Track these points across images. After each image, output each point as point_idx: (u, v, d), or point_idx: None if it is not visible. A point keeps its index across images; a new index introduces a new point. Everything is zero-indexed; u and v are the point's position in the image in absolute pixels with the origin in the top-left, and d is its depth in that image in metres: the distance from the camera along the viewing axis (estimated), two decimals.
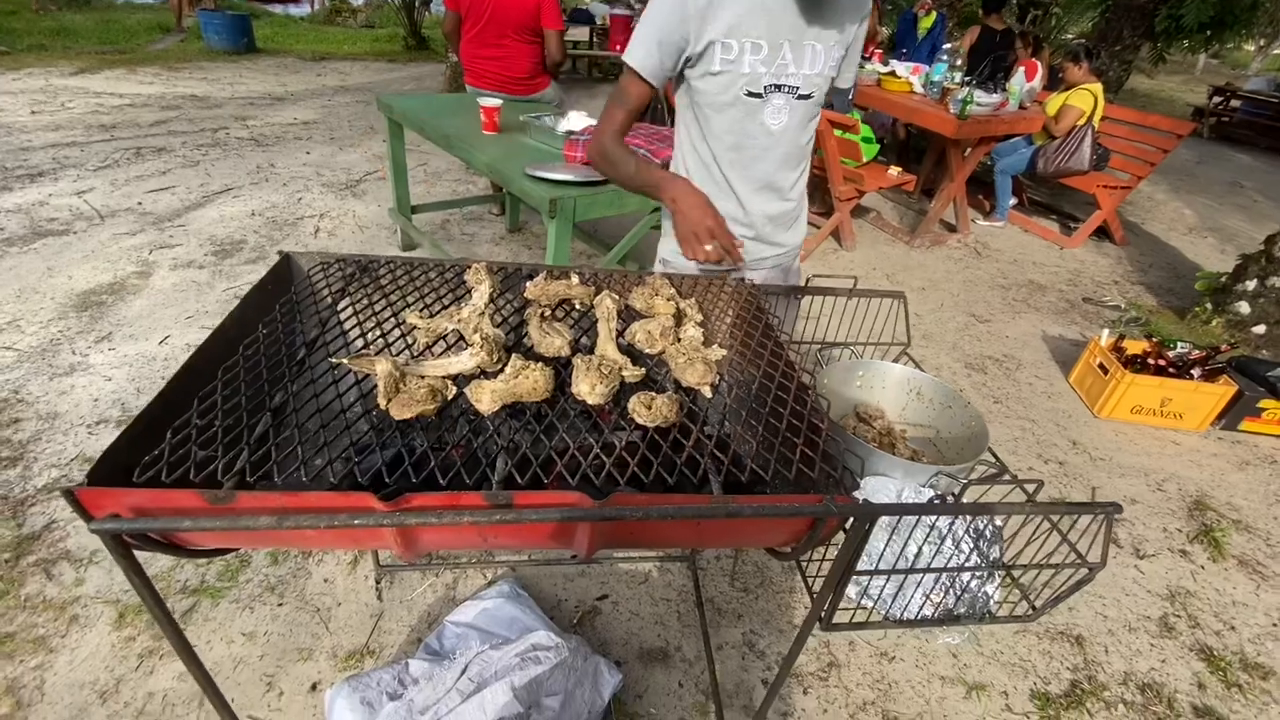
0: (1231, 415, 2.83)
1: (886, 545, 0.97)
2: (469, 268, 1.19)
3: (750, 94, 1.29)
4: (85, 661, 1.52)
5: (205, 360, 0.94)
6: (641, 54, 1.27)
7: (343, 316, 1.09)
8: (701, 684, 1.62)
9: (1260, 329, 3.32)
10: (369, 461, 0.80)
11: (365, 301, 1.13)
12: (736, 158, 1.38)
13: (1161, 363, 2.82)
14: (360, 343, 1.03)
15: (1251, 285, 3.41)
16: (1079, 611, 1.94)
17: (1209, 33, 7.24)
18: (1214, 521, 2.37)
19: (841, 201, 4.02)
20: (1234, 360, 2.88)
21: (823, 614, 0.98)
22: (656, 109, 3.89)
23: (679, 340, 1.06)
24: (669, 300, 1.14)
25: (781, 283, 1.58)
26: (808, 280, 1.44)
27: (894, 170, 4.19)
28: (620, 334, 1.10)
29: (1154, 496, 2.46)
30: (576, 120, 2.84)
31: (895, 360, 1.48)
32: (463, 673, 1.32)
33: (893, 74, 4.61)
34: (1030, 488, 0.98)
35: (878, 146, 4.29)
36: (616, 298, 1.12)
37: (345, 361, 0.90)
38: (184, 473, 0.75)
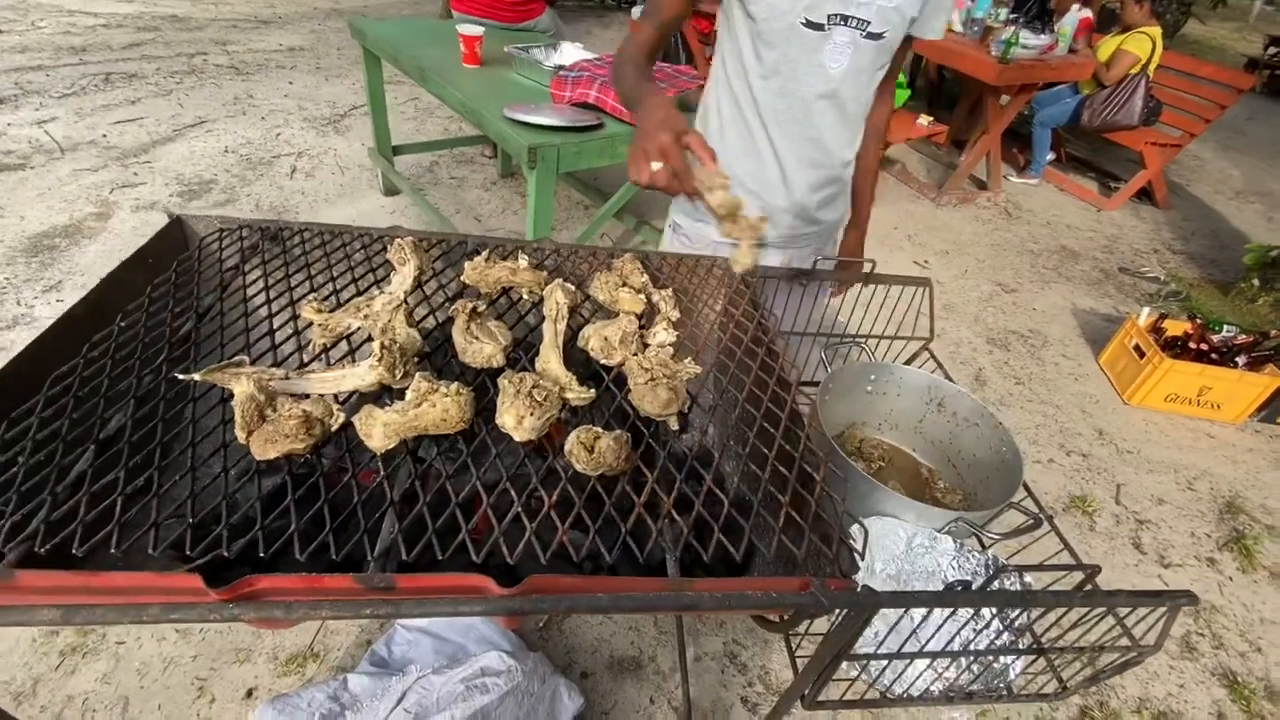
0: (1273, 407, 2.60)
1: (900, 619, 0.78)
2: (393, 242, 0.96)
3: (809, 23, 1.02)
4: (1, 659, 1.39)
5: (37, 363, 0.75)
6: None
7: (229, 305, 0.88)
8: (675, 700, 1.48)
9: None
10: (210, 520, 0.61)
11: (262, 284, 0.91)
12: (783, 107, 1.13)
13: (1204, 347, 2.57)
14: (241, 342, 0.81)
15: None
16: None
17: None
18: (1246, 526, 2.17)
19: None
20: None
21: (805, 693, 0.81)
22: (667, 49, 3.51)
23: (645, 348, 0.85)
24: (638, 293, 0.92)
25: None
26: (815, 261, 1.21)
27: (924, 119, 3.82)
28: (573, 336, 0.88)
29: (1183, 496, 2.26)
30: (569, 54, 2.53)
31: (916, 355, 1.26)
32: (399, 701, 1.17)
33: None
34: (1073, 566, 0.77)
35: (909, 92, 3.91)
36: (570, 289, 0.89)
37: (198, 376, 0.69)
38: None
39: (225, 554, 0.58)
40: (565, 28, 3.45)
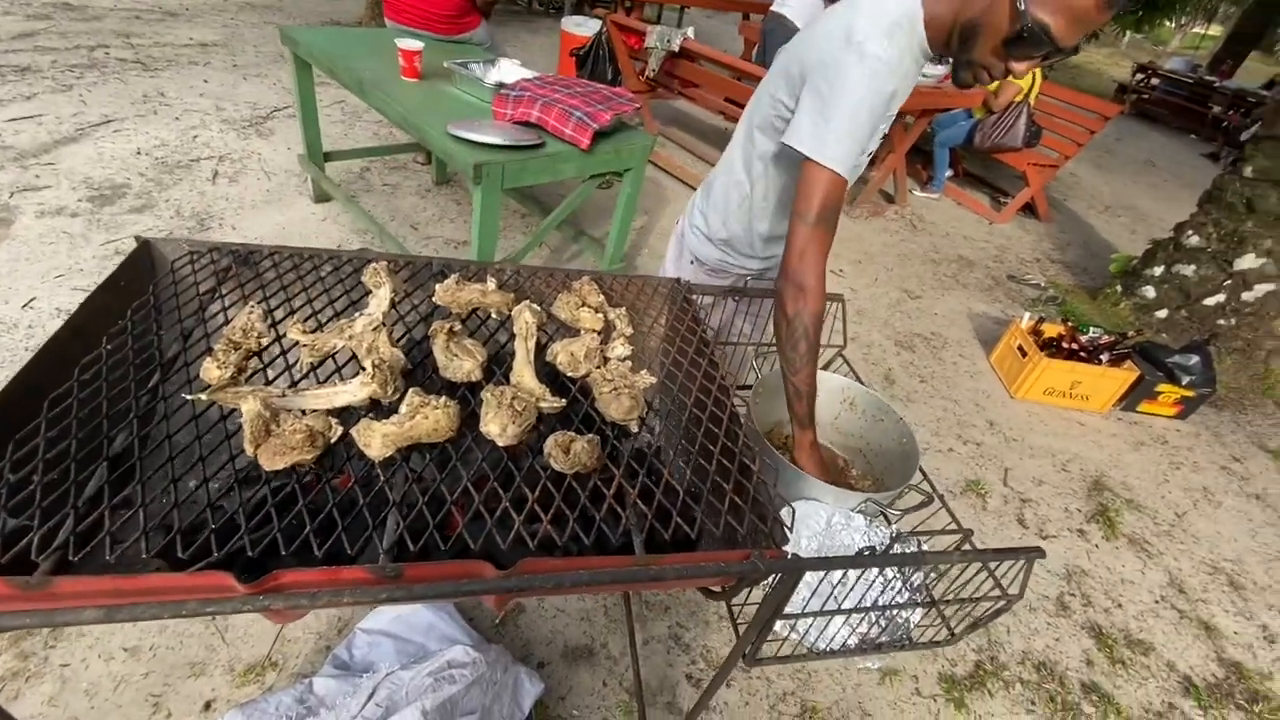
0: (1131, 397, 3.01)
1: (820, 583, 0.94)
2: (367, 264, 1.04)
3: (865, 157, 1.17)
4: None
5: (30, 387, 0.78)
6: (854, 154, 1.02)
7: (212, 326, 0.93)
8: (626, 682, 1.61)
9: (1162, 313, 3.52)
10: (230, 526, 0.68)
11: (242, 305, 0.97)
12: None
13: (1074, 346, 2.95)
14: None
15: (1159, 271, 3.59)
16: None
17: (1139, 14, 7.45)
18: (1109, 501, 2.53)
19: None
20: (1138, 345, 3.05)
21: (746, 651, 0.95)
22: (596, 63, 3.63)
23: (606, 362, 0.97)
24: (596, 312, 1.04)
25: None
26: (746, 280, 1.37)
27: None
28: (542, 348, 0.99)
29: (1059, 477, 2.60)
30: (508, 71, 2.61)
31: (831, 361, 1.44)
32: (370, 697, 1.23)
33: None
34: (958, 535, 0.95)
35: None
36: (537, 309, 1.00)
37: (204, 396, 0.76)
38: None
39: (249, 553, 0.65)
40: (499, 39, 3.51)
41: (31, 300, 2.33)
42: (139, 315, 0.91)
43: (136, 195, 3.06)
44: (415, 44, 2.42)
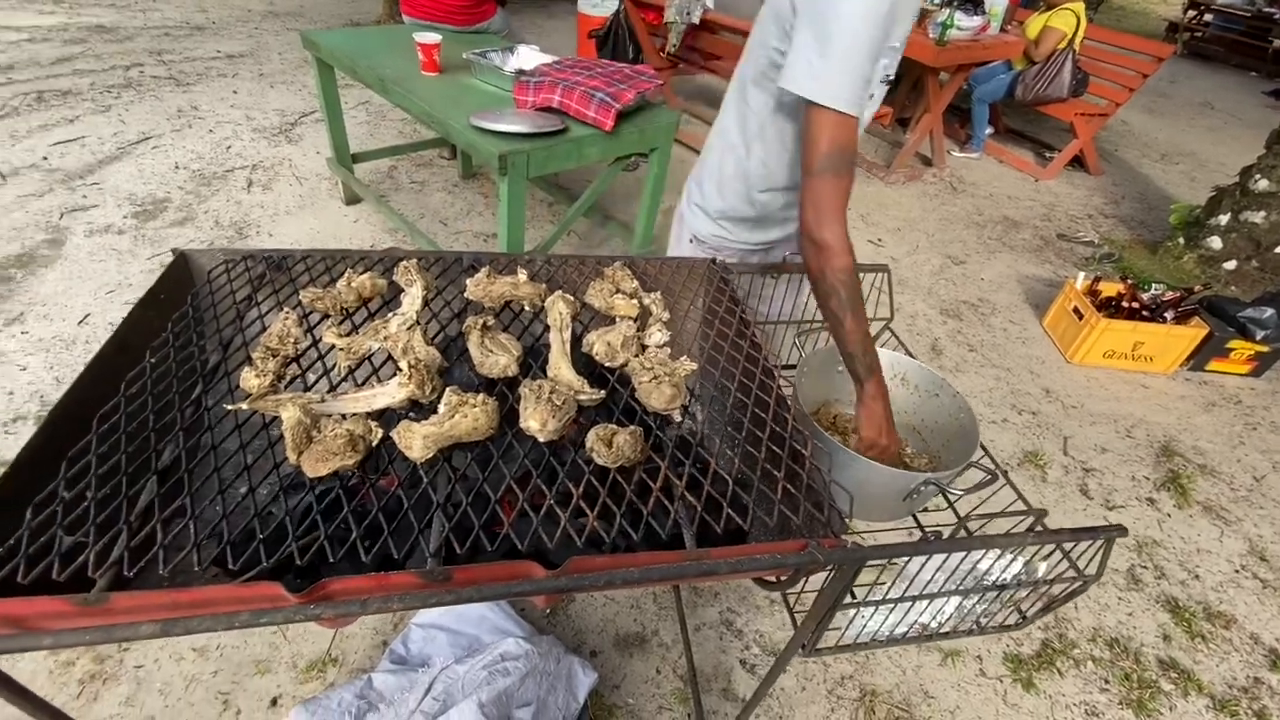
0: (1200, 356, 2.84)
1: (881, 572, 0.89)
2: (397, 264, 1.02)
3: (872, 95, 1.06)
4: None
5: (80, 402, 0.79)
6: (860, 92, 0.92)
7: (250, 334, 0.93)
8: (679, 669, 1.59)
9: (1231, 265, 3.30)
10: (279, 534, 0.67)
11: (278, 312, 0.97)
12: None
13: (1135, 305, 2.79)
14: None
15: (1225, 220, 3.36)
16: None
17: None
18: (1180, 467, 2.39)
19: None
20: (1205, 300, 2.86)
21: (805, 642, 0.92)
22: (617, 43, 3.56)
23: (644, 349, 0.94)
24: (631, 298, 1.01)
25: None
26: (785, 257, 1.31)
27: None
28: (577, 339, 0.97)
29: (1123, 444, 2.47)
30: (526, 57, 2.57)
31: (879, 334, 1.38)
32: (427, 692, 1.25)
33: None
34: (1031, 517, 0.90)
35: None
36: (571, 299, 0.97)
37: (245, 406, 0.75)
38: (46, 568, 0.62)
39: (298, 561, 0.65)
40: (516, 27, 3.47)
41: (86, 316, 2.42)
42: (179, 327, 0.91)
43: (177, 209, 3.15)
44: (433, 37, 2.40)
